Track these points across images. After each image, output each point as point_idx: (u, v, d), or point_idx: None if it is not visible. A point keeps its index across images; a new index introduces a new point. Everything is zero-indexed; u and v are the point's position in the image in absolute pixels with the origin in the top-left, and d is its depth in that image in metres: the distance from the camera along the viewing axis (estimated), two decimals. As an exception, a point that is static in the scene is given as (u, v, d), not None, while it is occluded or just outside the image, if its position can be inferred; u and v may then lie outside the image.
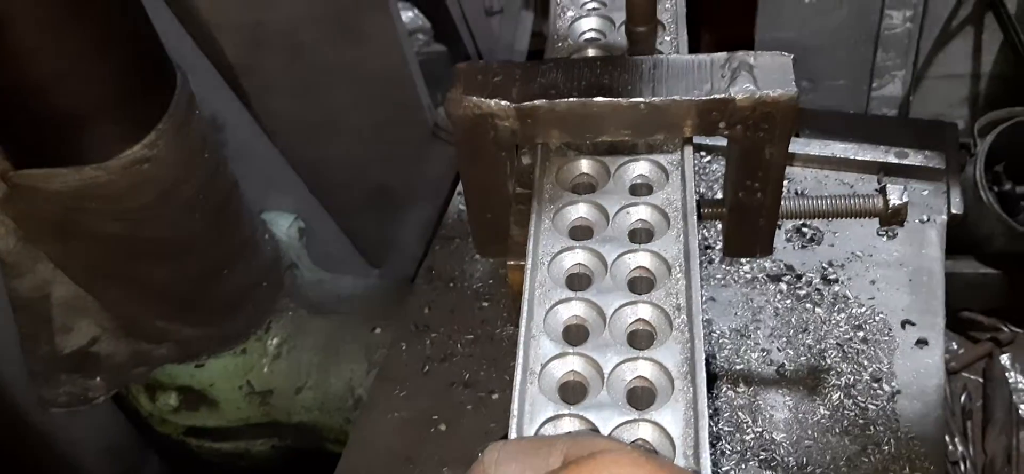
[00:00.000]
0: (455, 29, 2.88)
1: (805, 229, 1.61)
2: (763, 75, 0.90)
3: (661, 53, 1.06)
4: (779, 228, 1.58)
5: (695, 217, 0.91)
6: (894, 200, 1.03)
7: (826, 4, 2.25)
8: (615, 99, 0.91)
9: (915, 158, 1.64)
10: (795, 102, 0.89)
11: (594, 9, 1.12)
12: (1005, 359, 2.15)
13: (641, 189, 0.95)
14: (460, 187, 1.63)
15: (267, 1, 2.16)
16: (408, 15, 2.87)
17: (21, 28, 1.22)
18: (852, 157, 1.66)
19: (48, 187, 1.38)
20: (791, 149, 1.65)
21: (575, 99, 0.91)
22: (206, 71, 2.21)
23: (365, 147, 2.43)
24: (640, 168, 0.97)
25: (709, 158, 1.74)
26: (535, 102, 0.91)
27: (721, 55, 0.93)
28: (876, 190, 1.05)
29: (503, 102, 0.91)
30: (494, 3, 3.20)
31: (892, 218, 1.04)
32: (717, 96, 0.90)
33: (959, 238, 1.98)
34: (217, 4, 2.18)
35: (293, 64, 2.30)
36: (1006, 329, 2.16)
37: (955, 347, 2.20)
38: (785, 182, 1.67)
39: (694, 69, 0.92)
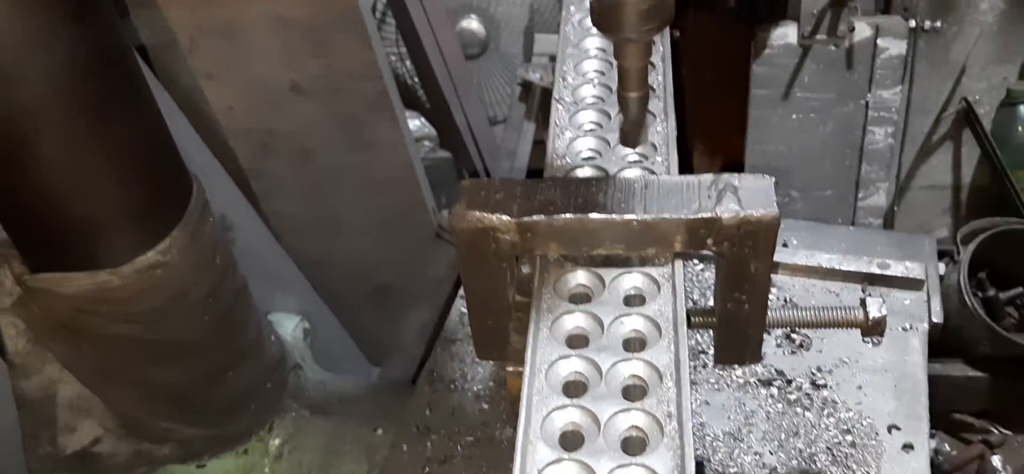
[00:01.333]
0: (460, 137, 2.97)
1: (794, 336, 1.66)
2: (747, 196, 0.96)
3: (653, 173, 1.13)
4: (769, 335, 1.63)
5: (685, 328, 0.96)
6: (874, 313, 1.08)
7: (812, 121, 2.36)
8: (609, 216, 0.96)
9: (896, 268, 1.70)
10: (776, 221, 0.94)
11: (591, 131, 1.19)
12: (996, 460, 2.17)
13: (634, 300, 0.99)
14: (462, 290, 1.68)
15: (279, 110, 2.25)
16: (415, 123, 2.97)
17: (46, 142, 1.24)
18: (837, 267, 1.73)
19: (62, 291, 1.40)
20: (781, 259, 1.73)
21: (572, 215, 0.97)
22: (217, 173, 2.28)
23: (370, 248, 2.49)
24: (633, 280, 1.01)
25: (702, 266, 1.80)
26: (534, 217, 0.96)
27: (708, 177, 0.99)
28: (861, 299, 1.10)
29: (504, 217, 0.97)
30: (497, 113, 3.31)
31: (872, 329, 1.09)
32: (704, 215, 0.95)
33: (946, 343, 2.02)
34: (232, 113, 2.27)
35: (302, 168, 2.37)
36: (996, 431, 2.19)
37: (948, 449, 2.22)
38: (775, 290, 1.74)
39: (683, 189, 0.98)
